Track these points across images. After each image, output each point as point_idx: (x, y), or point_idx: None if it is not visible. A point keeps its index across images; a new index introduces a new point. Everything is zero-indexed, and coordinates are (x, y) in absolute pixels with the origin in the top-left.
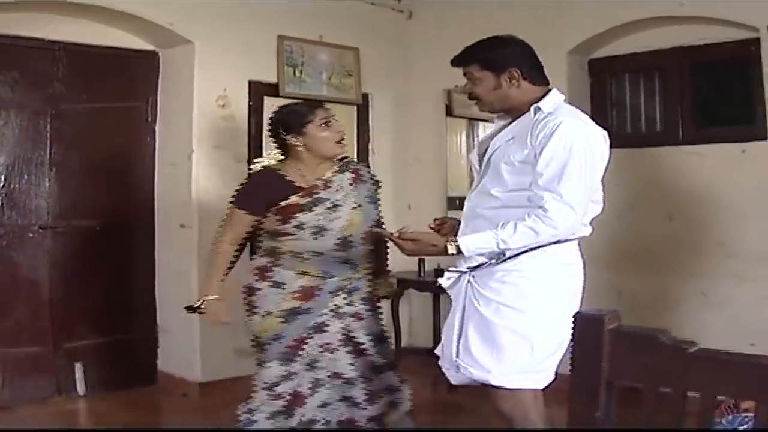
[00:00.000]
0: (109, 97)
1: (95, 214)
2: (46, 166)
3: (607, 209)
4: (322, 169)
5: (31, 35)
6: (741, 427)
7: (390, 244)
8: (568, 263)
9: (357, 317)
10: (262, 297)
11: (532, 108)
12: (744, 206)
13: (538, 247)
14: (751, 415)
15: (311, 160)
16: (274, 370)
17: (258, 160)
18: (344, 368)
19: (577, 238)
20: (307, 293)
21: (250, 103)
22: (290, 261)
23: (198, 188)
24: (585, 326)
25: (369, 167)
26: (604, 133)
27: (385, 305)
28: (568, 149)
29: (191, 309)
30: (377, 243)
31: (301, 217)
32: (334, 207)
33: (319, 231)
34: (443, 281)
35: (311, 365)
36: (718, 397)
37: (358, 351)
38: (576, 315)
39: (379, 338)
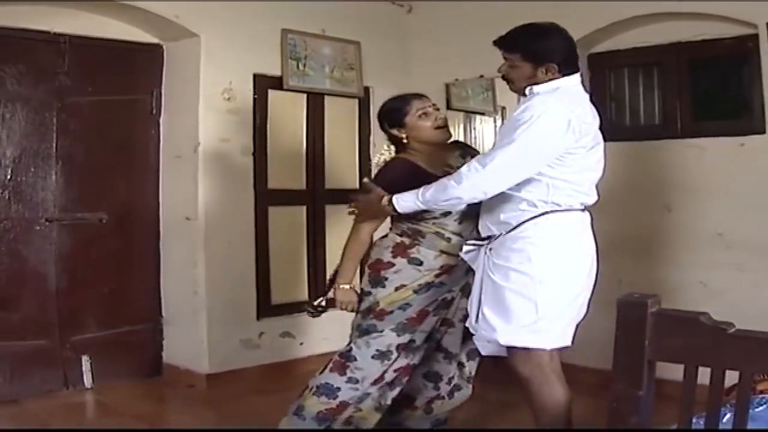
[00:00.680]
0: (115, 89)
1: (101, 207)
2: (52, 159)
3: (607, 200)
4: (444, 156)
5: (36, 28)
6: (757, 409)
7: None
8: (572, 229)
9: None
10: (397, 271)
11: (528, 90)
12: (742, 198)
13: (542, 213)
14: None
15: (426, 148)
16: (387, 338)
17: (383, 151)
18: (453, 344)
19: (580, 206)
20: (445, 270)
21: (255, 96)
22: (432, 240)
23: (204, 181)
24: (628, 310)
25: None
26: (579, 115)
27: None
28: (516, 126)
29: (315, 309)
30: None
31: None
32: None
33: (464, 216)
34: (462, 254)
35: (429, 337)
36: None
37: (468, 332)
38: (618, 300)
39: None
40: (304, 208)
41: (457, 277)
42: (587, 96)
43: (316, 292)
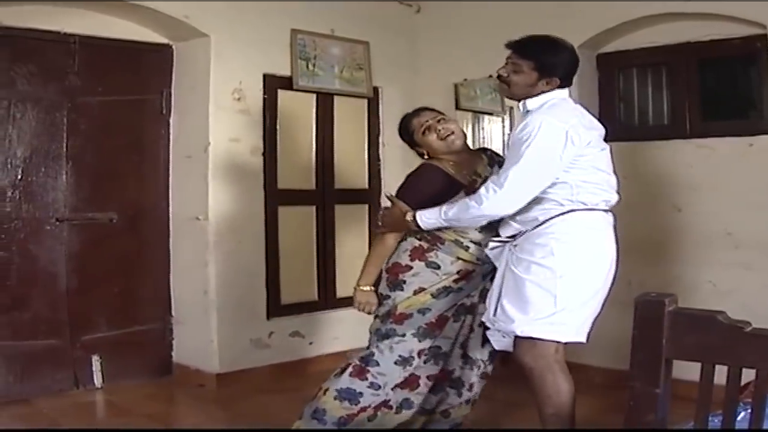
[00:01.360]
0: (125, 89)
1: (111, 207)
2: (62, 159)
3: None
4: (473, 163)
5: (46, 28)
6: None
7: None
8: (596, 228)
9: None
10: (415, 274)
11: (520, 105)
12: (751, 198)
13: (569, 211)
14: None
15: (451, 156)
16: (410, 344)
17: None
18: (474, 349)
19: (604, 205)
20: (462, 275)
21: (265, 96)
22: (450, 248)
23: (214, 181)
24: (646, 309)
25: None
26: (573, 125)
27: None
28: (519, 145)
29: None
30: None
31: None
32: None
33: (483, 227)
34: (489, 252)
35: (463, 345)
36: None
37: (485, 336)
38: (636, 299)
39: None
40: (314, 208)
41: (475, 283)
42: (577, 105)
43: (326, 292)
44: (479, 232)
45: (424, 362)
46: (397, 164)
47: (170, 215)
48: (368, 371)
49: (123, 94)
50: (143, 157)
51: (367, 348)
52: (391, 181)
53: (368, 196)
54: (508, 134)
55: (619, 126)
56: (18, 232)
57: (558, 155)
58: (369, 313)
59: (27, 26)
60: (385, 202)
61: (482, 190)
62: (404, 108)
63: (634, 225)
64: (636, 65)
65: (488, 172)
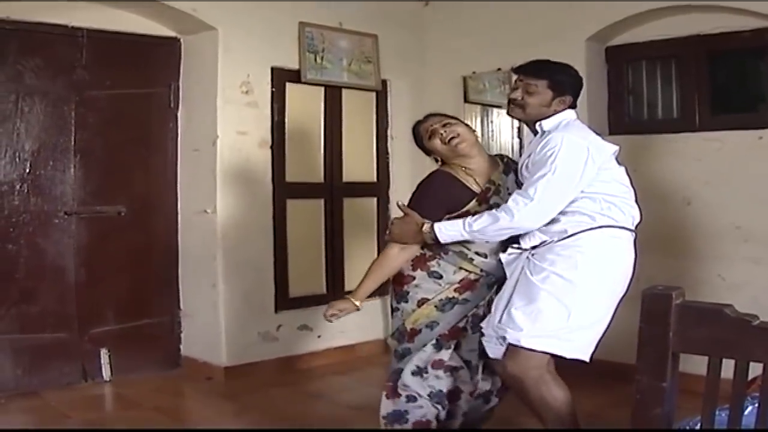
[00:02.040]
0: (132, 83)
1: (120, 200)
2: (70, 153)
3: None
4: (487, 169)
5: (54, 22)
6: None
7: None
8: (622, 247)
9: None
10: (417, 284)
11: (537, 126)
12: (761, 191)
13: (600, 227)
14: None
15: (464, 161)
16: (426, 353)
17: None
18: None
19: (631, 223)
20: (466, 285)
21: (273, 90)
22: (454, 258)
23: (222, 174)
24: (652, 302)
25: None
26: (592, 141)
27: None
28: (545, 159)
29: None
30: None
31: None
32: None
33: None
34: (503, 257)
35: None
36: None
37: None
38: (643, 292)
39: None
40: (322, 201)
41: (481, 293)
42: (585, 125)
43: (334, 286)
44: (486, 242)
45: (459, 376)
46: (406, 157)
47: (178, 208)
48: (397, 387)
49: (131, 87)
50: (151, 151)
51: (392, 365)
52: (400, 174)
53: (377, 189)
54: (526, 157)
55: (628, 119)
56: (26, 225)
57: (581, 169)
58: (331, 317)
59: (35, 20)
60: (395, 212)
61: (511, 203)
62: (413, 101)
63: (643, 218)
64: (645, 58)
65: (503, 180)
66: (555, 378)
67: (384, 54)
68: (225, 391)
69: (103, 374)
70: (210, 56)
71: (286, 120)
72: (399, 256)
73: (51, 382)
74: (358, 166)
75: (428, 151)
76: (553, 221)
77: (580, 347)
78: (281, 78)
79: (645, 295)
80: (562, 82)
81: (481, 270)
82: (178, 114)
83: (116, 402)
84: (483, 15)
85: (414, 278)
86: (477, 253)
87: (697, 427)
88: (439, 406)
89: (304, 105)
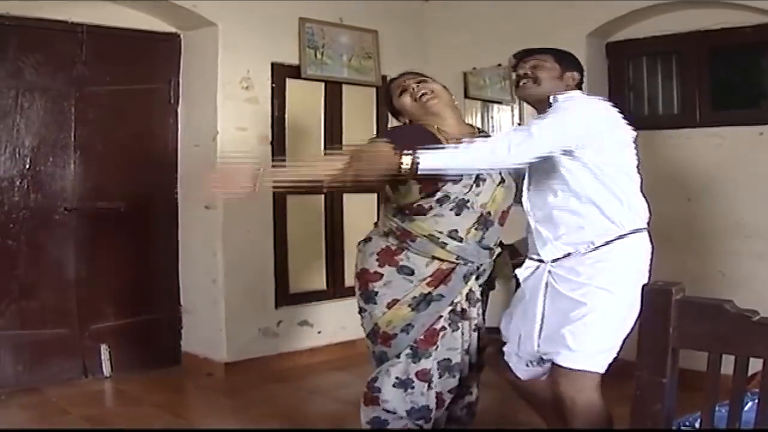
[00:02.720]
0: (132, 79)
1: (120, 196)
2: (70, 149)
3: None
4: (461, 134)
5: (54, 18)
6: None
7: None
8: (648, 249)
9: (477, 301)
10: (386, 283)
11: (551, 99)
12: (762, 187)
13: (629, 233)
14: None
15: (434, 120)
16: (403, 365)
17: None
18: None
19: (647, 222)
20: (439, 277)
21: (273, 85)
22: (424, 245)
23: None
24: (652, 297)
25: None
26: (612, 112)
27: None
28: (557, 108)
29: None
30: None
31: (448, 187)
32: (479, 178)
33: (462, 205)
34: (520, 272)
35: (467, 351)
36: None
37: (479, 338)
38: (643, 287)
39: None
40: (322, 197)
41: (455, 286)
42: None
43: (335, 281)
44: (455, 215)
45: (440, 377)
46: None
47: (179, 204)
48: (377, 398)
49: (131, 83)
50: (151, 147)
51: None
52: None
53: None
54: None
55: (629, 115)
56: (26, 221)
57: (592, 122)
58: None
59: (34, 16)
60: None
61: (512, 136)
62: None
63: None
64: (646, 54)
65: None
66: (599, 396)
67: (384, 50)
68: (225, 387)
69: (104, 370)
70: (210, 52)
71: (286, 116)
72: (333, 172)
73: (51, 378)
74: None
75: (397, 112)
76: (575, 231)
77: (609, 360)
78: (281, 74)
79: (645, 291)
80: (566, 57)
81: (457, 257)
82: (178, 110)
83: (116, 398)
84: (483, 11)
85: (382, 276)
86: (451, 237)
87: (697, 423)
88: (421, 421)
89: (305, 101)
